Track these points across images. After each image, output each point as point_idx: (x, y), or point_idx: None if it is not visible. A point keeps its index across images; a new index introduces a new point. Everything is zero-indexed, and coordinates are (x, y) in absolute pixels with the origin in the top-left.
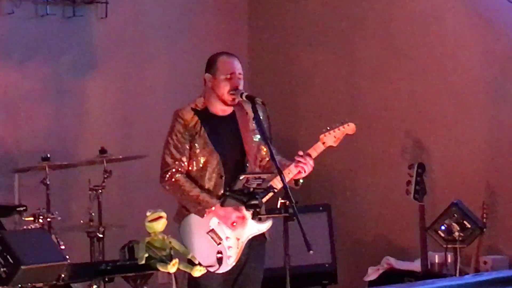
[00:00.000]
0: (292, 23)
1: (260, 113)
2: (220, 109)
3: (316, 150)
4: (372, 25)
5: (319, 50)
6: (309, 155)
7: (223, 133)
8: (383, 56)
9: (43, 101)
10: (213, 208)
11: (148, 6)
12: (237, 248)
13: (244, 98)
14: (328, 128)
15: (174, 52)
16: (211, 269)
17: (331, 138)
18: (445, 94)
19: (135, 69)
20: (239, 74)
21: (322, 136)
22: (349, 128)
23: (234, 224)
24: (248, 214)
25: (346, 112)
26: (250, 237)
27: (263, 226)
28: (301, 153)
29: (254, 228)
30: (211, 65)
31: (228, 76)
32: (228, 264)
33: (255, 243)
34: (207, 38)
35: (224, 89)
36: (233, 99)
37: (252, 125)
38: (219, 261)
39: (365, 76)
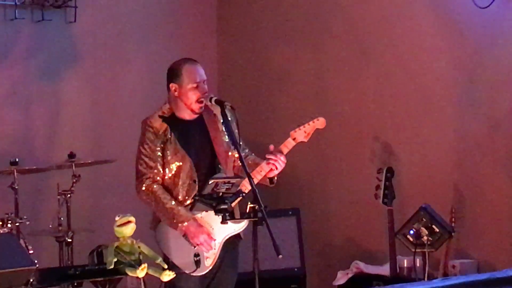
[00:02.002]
0: (260, 25)
1: (229, 118)
2: (188, 114)
3: (287, 146)
4: (340, 30)
5: (289, 53)
6: (280, 151)
7: (193, 137)
8: (352, 61)
9: (11, 105)
10: (186, 224)
11: (117, 10)
12: (214, 249)
13: (213, 102)
14: (298, 125)
15: (144, 56)
16: (187, 271)
17: (301, 134)
18: (413, 99)
19: (104, 74)
20: (205, 80)
21: (292, 132)
22: (319, 122)
23: (196, 245)
24: (218, 223)
25: (314, 116)
26: (227, 237)
27: (239, 226)
28: (272, 148)
29: (230, 228)
30: (175, 75)
31: (195, 85)
32: (206, 266)
33: (229, 247)
34: (177, 42)
35: (192, 98)
36: (200, 107)
37: (221, 126)
38: (197, 263)
39: (333, 80)
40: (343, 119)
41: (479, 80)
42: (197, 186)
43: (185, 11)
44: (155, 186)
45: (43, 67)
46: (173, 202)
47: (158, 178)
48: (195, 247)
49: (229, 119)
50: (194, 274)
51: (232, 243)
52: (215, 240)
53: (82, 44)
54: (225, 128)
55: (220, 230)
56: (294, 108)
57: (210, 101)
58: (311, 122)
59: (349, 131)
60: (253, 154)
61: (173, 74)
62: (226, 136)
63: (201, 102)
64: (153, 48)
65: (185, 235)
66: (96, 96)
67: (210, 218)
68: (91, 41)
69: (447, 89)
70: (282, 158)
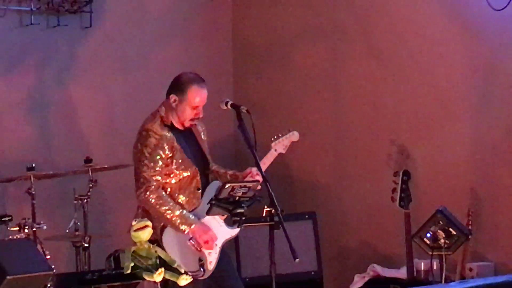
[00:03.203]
0: (275, 29)
1: (245, 121)
2: (180, 125)
3: (270, 158)
4: (355, 33)
5: (304, 56)
6: (258, 175)
7: (190, 146)
8: (367, 64)
9: (27, 110)
10: (193, 226)
11: (132, 16)
12: (216, 253)
13: (229, 106)
14: (275, 136)
15: (159, 60)
16: (196, 276)
17: (280, 146)
18: (430, 101)
19: (119, 78)
20: (203, 104)
21: (273, 144)
22: (293, 136)
23: (203, 245)
24: (220, 221)
25: (330, 120)
26: (225, 241)
27: (234, 231)
28: (249, 171)
29: (227, 233)
30: (180, 89)
31: (194, 107)
32: (209, 269)
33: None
34: (192, 46)
35: (187, 116)
36: (191, 125)
37: (203, 136)
38: (202, 267)
39: (349, 84)
40: (359, 122)
41: (495, 82)
42: (200, 194)
43: (200, 15)
44: (158, 193)
45: (59, 72)
46: (178, 209)
47: (160, 184)
48: (199, 251)
49: (244, 122)
50: (200, 278)
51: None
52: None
53: (97, 49)
54: (241, 132)
55: (219, 235)
56: (310, 112)
57: (226, 105)
58: (286, 135)
59: (365, 134)
60: (216, 164)
61: (177, 87)
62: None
63: (193, 121)
64: (168, 52)
65: (190, 240)
66: (111, 101)
67: (210, 223)
68: (107, 46)
69: (463, 92)
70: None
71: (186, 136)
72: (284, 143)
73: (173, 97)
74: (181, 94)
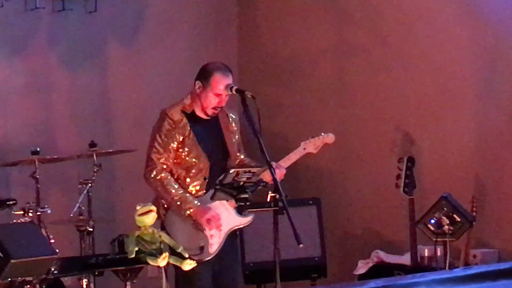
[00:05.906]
0: (280, 17)
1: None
2: (203, 113)
3: (296, 154)
4: (361, 19)
5: (307, 43)
6: (281, 166)
7: (209, 136)
8: (372, 51)
9: (32, 94)
10: (192, 209)
11: (137, 0)
12: (219, 238)
13: (234, 91)
14: (310, 137)
15: (164, 46)
16: (192, 256)
17: (311, 146)
18: (434, 88)
19: (124, 63)
20: (228, 94)
21: (303, 142)
22: (328, 138)
23: (205, 224)
24: (229, 208)
25: (335, 106)
26: (232, 229)
27: (245, 220)
28: (274, 164)
29: (236, 220)
30: (204, 76)
31: (217, 95)
32: (210, 252)
33: (229, 239)
34: (197, 34)
35: (210, 104)
36: (213, 113)
37: (233, 127)
38: (201, 249)
39: (354, 71)
40: (364, 109)
41: (500, 69)
42: (206, 184)
43: (206, 4)
44: (163, 174)
45: (64, 56)
46: (181, 191)
47: (167, 168)
48: (202, 232)
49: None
50: (197, 258)
51: (231, 236)
52: (221, 225)
53: (102, 33)
54: (246, 117)
55: (226, 221)
56: (316, 99)
57: (231, 90)
58: (321, 136)
59: (370, 121)
60: (247, 158)
61: (203, 74)
62: (236, 137)
63: (216, 109)
64: (173, 38)
65: (193, 222)
66: (116, 86)
67: (217, 209)
68: (111, 31)
69: (468, 78)
70: (282, 172)
71: (208, 126)
72: (317, 143)
73: (198, 83)
74: (205, 81)
